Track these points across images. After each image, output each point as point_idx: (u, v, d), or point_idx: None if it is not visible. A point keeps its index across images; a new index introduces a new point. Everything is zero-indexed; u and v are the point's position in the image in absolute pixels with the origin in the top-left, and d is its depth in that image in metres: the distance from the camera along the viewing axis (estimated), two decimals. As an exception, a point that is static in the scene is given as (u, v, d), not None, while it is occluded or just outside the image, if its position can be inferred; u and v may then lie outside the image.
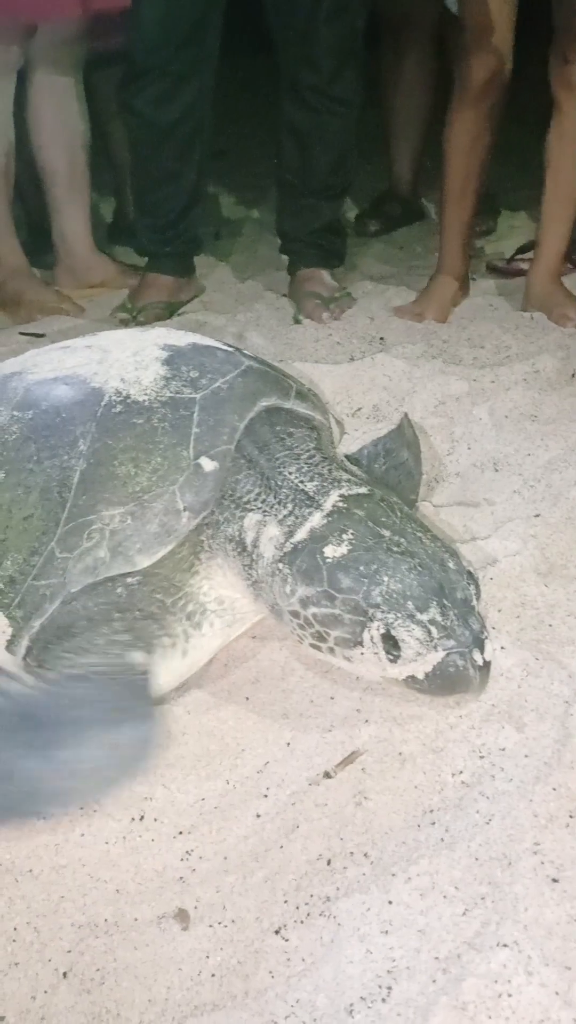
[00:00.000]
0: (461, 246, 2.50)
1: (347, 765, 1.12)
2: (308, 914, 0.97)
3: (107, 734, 0.97)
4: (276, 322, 2.54)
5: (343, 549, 1.10)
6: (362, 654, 1.08)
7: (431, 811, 1.05)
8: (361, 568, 1.08)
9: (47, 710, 1.01)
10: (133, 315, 2.59)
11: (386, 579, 1.06)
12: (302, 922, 0.96)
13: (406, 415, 1.77)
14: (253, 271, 2.99)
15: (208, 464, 1.16)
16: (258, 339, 2.36)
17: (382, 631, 1.05)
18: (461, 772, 1.08)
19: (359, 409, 2.08)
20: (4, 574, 1.11)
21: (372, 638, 1.06)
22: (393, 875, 0.97)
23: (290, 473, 1.20)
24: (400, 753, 1.12)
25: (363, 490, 1.18)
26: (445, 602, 1.06)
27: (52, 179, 2.78)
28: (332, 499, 1.16)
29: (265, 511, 1.17)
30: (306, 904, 0.98)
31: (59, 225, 2.84)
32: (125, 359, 1.24)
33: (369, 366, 2.17)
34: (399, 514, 1.15)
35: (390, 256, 3.12)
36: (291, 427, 1.27)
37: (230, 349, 1.33)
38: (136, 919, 0.99)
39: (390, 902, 0.95)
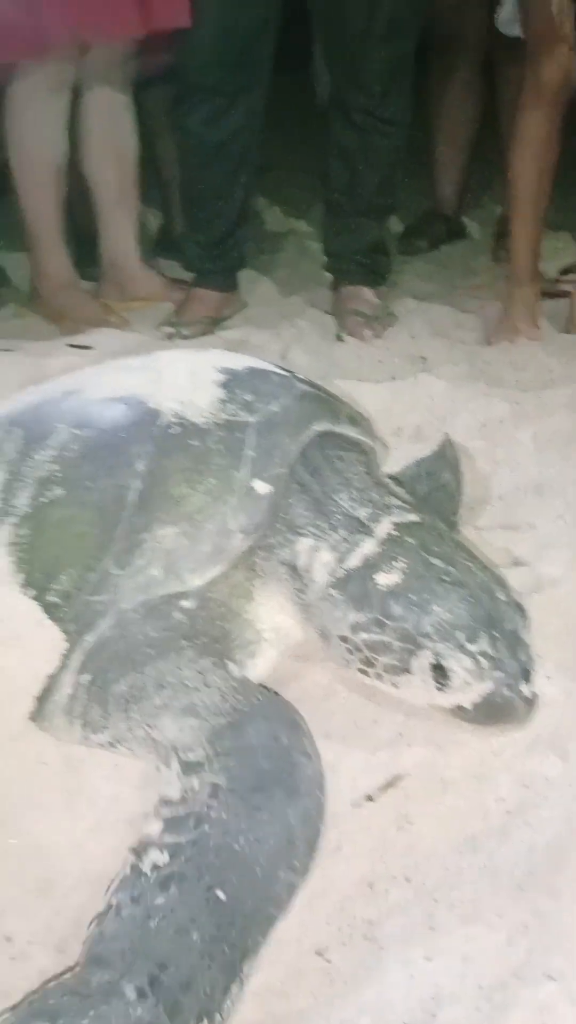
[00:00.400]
0: (533, 253, 2.48)
1: (390, 789, 1.13)
2: (351, 936, 0.98)
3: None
4: (319, 339, 2.56)
5: (395, 577, 1.12)
6: (410, 681, 1.09)
7: (474, 838, 1.05)
8: (413, 597, 1.10)
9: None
10: (178, 329, 2.62)
11: (437, 609, 1.08)
12: (344, 944, 0.97)
13: (447, 436, 1.78)
14: (296, 287, 3.03)
15: (262, 487, 1.17)
16: (301, 356, 2.38)
17: (431, 660, 1.07)
18: (505, 800, 1.09)
19: (400, 429, 2.09)
20: (60, 588, 1.14)
21: (421, 666, 1.08)
22: (436, 900, 0.98)
23: (342, 499, 1.22)
24: (443, 779, 1.13)
25: (414, 517, 1.20)
26: (495, 633, 1.07)
27: (101, 194, 2.83)
28: (384, 526, 1.18)
29: (318, 536, 1.19)
30: (348, 926, 0.99)
31: (107, 239, 2.88)
32: (182, 381, 1.27)
33: (411, 386, 2.18)
34: (449, 542, 1.17)
35: (433, 274, 3.14)
36: (342, 451, 1.28)
37: (285, 373, 1.35)
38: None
39: (433, 928, 0.95)
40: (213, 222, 2.59)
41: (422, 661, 1.07)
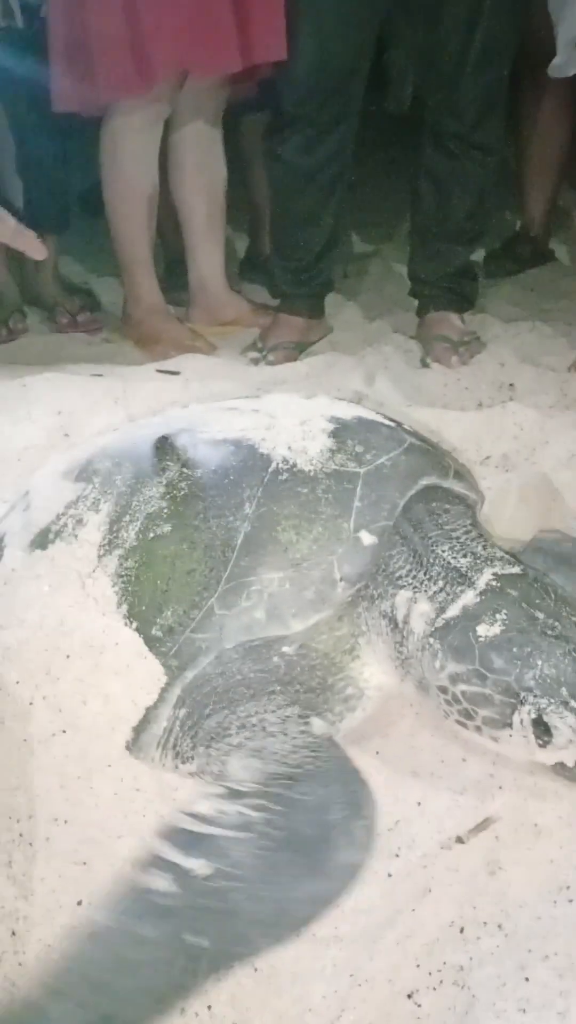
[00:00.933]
0: None
1: (480, 831, 1.12)
2: (441, 981, 0.98)
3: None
4: (404, 365, 2.56)
5: (496, 629, 1.11)
6: (510, 736, 1.08)
7: (568, 887, 1.04)
8: (515, 650, 1.09)
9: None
10: (263, 354, 2.66)
11: (540, 663, 1.07)
12: (435, 989, 0.97)
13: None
14: (381, 311, 3.03)
15: (367, 538, 1.19)
16: (385, 383, 2.38)
17: (533, 716, 1.06)
18: (600, 849, 1.07)
19: (488, 458, 2.07)
20: (164, 623, 1.17)
21: (522, 721, 1.06)
22: (529, 951, 0.97)
23: (443, 551, 1.22)
24: (536, 824, 1.11)
25: (516, 570, 1.19)
26: None
27: (190, 221, 2.90)
28: (486, 577, 1.17)
29: (416, 587, 1.20)
30: (439, 971, 0.99)
31: (195, 265, 2.95)
32: (292, 427, 1.30)
33: (499, 414, 2.15)
34: (554, 596, 1.15)
35: (520, 299, 3.11)
36: (447, 504, 1.29)
37: (393, 425, 1.38)
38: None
39: (527, 979, 0.94)
40: (302, 248, 2.62)
41: (523, 716, 1.06)
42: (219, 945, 0.91)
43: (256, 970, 1.00)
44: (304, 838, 0.98)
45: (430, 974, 0.99)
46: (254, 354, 2.69)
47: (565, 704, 1.04)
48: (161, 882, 0.92)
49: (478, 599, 1.15)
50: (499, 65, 2.37)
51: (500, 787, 1.17)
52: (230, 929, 0.92)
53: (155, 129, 2.65)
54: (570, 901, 1.02)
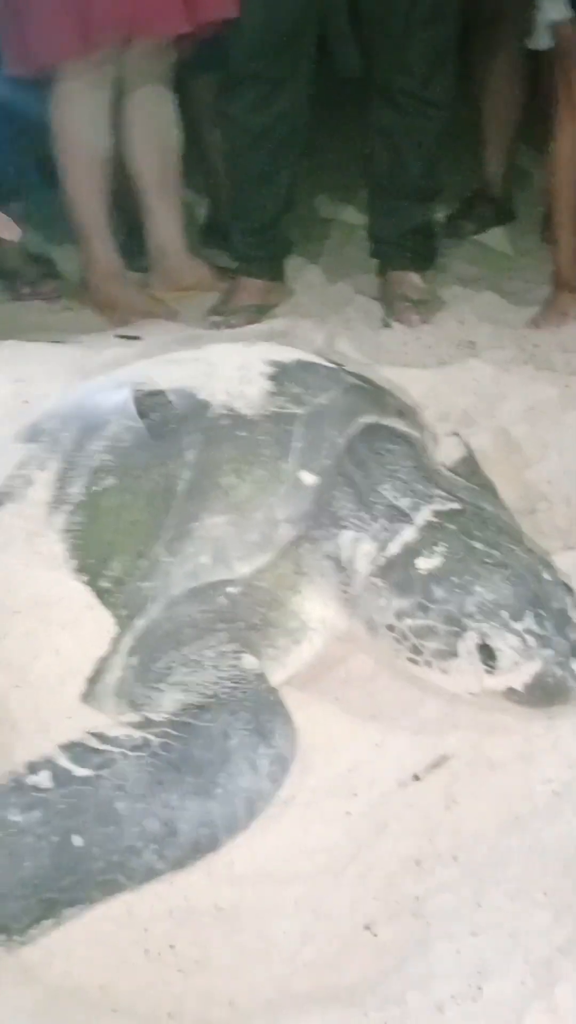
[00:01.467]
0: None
1: (436, 768, 1.14)
2: (398, 912, 1.00)
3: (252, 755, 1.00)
4: (366, 326, 2.56)
5: (436, 561, 1.13)
6: (458, 666, 1.10)
7: (521, 818, 1.06)
8: (454, 579, 1.11)
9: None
10: (225, 319, 2.64)
11: (479, 589, 1.09)
12: (392, 920, 0.99)
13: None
14: (342, 274, 3.02)
15: (308, 478, 1.20)
16: (348, 343, 2.38)
17: (477, 641, 1.07)
18: (551, 781, 1.09)
19: (447, 414, 2.08)
20: (111, 574, 1.17)
21: (468, 648, 1.08)
22: (482, 879, 0.99)
23: (385, 490, 1.21)
24: (490, 759, 1.14)
25: (456, 505, 1.20)
26: (541, 612, 1.07)
27: (146, 185, 2.85)
28: (424, 514, 1.18)
29: (359, 527, 1.20)
30: (396, 902, 1.01)
31: (153, 229, 2.91)
32: (231, 373, 1.30)
33: (459, 371, 2.17)
34: (493, 527, 1.17)
35: (481, 258, 3.11)
36: (389, 444, 1.28)
37: (333, 366, 1.37)
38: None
39: (479, 905, 0.97)
40: (258, 209, 2.61)
41: (468, 643, 1.08)
42: (103, 850, 0.92)
43: (219, 909, 1.02)
44: (198, 761, 0.98)
45: (387, 906, 1.01)
46: (215, 318, 2.67)
47: (506, 627, 1.06)
48: (42, 779, 0.94)
49: (418, 535, 1.16)
50: (447, 20, 2.37)
51: (455, 726, 1.19)
52: (115, 837, 0.92)
53: (103, 92, 2.61)
54: (523, 830, 1.05)
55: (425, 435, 1.42)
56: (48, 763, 0.97)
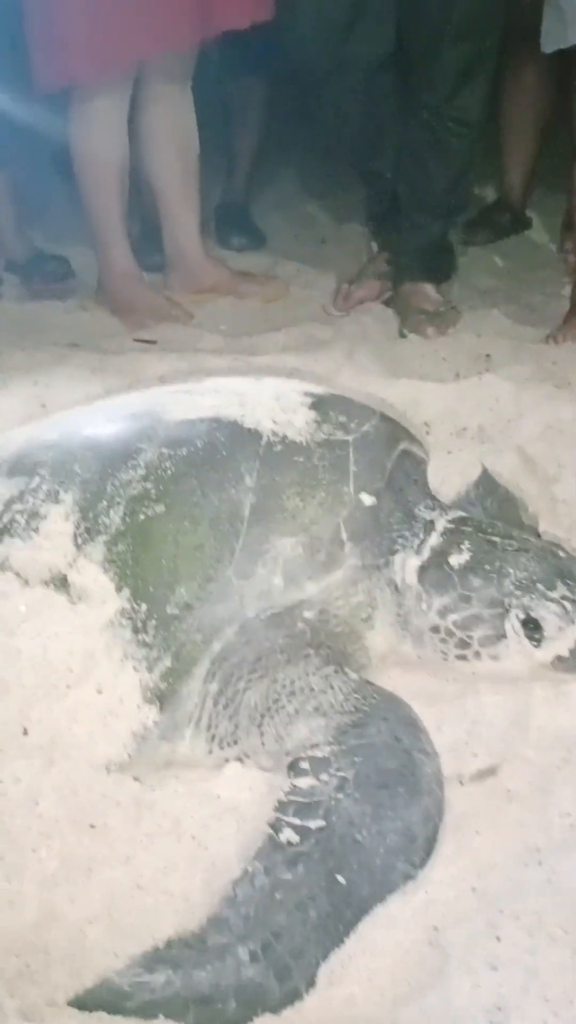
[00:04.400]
0: None
1: (483, 778, 1.16)
2: (416, 940, 1.01)
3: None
4: (382, 336, 2.56)
5: (465, 556, 1.26)
6: (507, 647, 1.20)
7: (537, 850, 1.07)
8: (487, 567, 1.23)
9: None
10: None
11: (511, 570, 1.22)
12: (411, 948, 1.00)
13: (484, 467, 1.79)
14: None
15: (367, 499, 1.27)
16: (365, 354, 2.38)
17: (521, 616, 1.18)
18: (569, 815, 1.10)
19: (464, 429, 2.09)
20: (179, 600, 1.18)
21: (514, 627, 1.19)
22: (500, 911, 1.01)
23: (420, 509, 1.33)
24: (508, 790, 1.15)
25: (462, 513, 1.37)
26: (569, 581, 1.20)
27: (164, 187, 2.85)
28: (442, 522, 1.32)
29: (405, 546, 1.29)
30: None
31: (170, 232, 2.90)
32: (269, 403, 1.34)
33: (475, 386, 2.17)
34: (500, 526, 1.33)
35: (497, 268, 3.11)
36: (415, 467, 1.39)
37: (354, 399, 1.44)
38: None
39: (498, 938, 0.98)
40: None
41: (513, 620, 1.19)
42: (365, 878, 1.00)
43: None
44: (392, 771, 1.07)
45: (405, 933, 1.02)
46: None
47: (544, 596, 1.18)
48: (290, 836, 1.02)
49: (442, 539, 1.29)
50: (479, 38, 2.34)
51: (475, 754, 1.20)
52: (369, 863, 1.00)
53: (123, 95, 2.60)
54: (540, 864, 1.06)
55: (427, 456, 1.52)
56: (283, 823, 1.03)
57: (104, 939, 0.99)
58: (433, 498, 1.37)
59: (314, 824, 1.02)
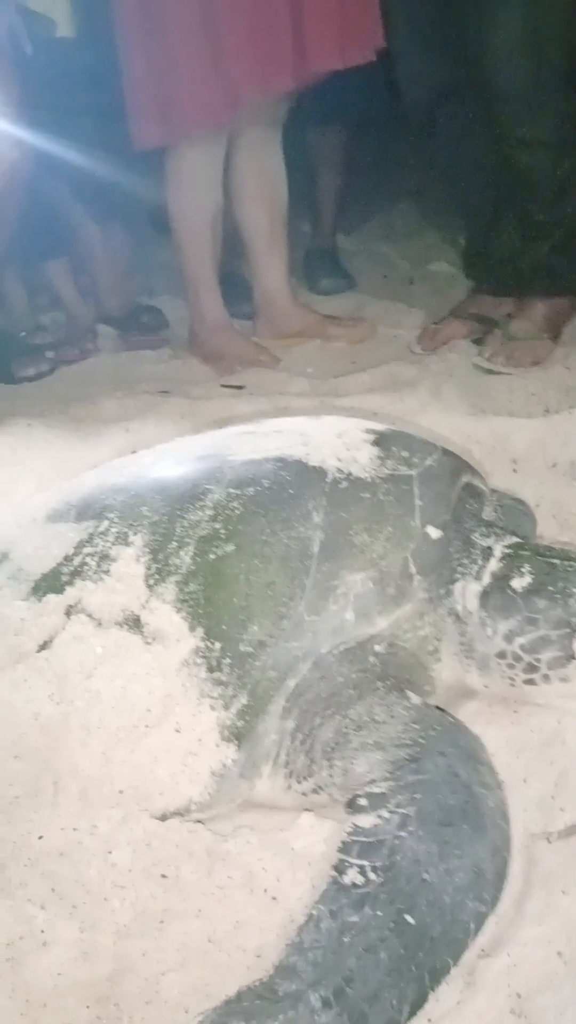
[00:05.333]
0: None
1: (567, 836, 1.11)
2: (501, 1009, 0.96)
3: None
4: (467, 372, 2.53)
5: (527, 579, 1.25)
6: None
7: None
8: (550, 588, 1.23)
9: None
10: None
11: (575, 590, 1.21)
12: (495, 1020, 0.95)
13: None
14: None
15: (434, 532, 1.26)
16: (452, 391, 2.36)
17: None
18: None
19: (555, 465, 2.03)
20: (252, 638, 1.18)
21: None
22: (588, 978, 0.95)
23: (476, 537, 1.32)
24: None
25: (519, 539, 1.35)
26: None
27: (253, 235, 2.91)
28: (499, 548, 1.31)
29: (464, 574, 1.29)
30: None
31: (259, 279, 2.97)
32: (332, 441, 1.34)
33: (567, 420, 2.12)
34: (557, 549, 1.31)
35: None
36: (476, 499, 1.39)
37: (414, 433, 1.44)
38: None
39: (585, 1007, 0.92)
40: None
41: None
42: (434, 917, 0.96)
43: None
44: (454, 807, 1.03)
45: (489, 999, 0.97)
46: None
47: None
48: (354, 878, 0.99)
49: (500, 564, 1.28)
50: (543, 57, 2.28)
51: (562, 809, 1.15)
52: (437, 902, 0.97)
53: (220, 148, 2.69)
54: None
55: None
56: (347, 864, 1.01)
57: (176, 994, 0.98)
58: (489, 525, 1.37)
59: (379, 863, 0.99)
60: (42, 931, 1.01)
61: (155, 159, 2.69)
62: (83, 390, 2.74)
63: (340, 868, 1.00)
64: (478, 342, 2.66)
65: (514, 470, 1.97)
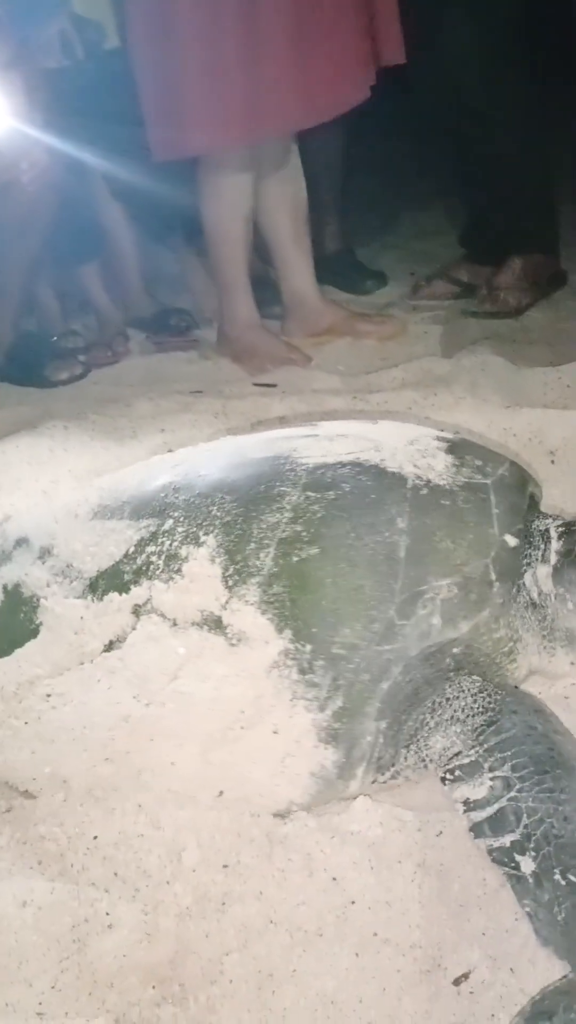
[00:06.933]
0: None
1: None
2: None
3: None
4: (502, 367, 2.53)
5: None
6: None
7: None
8: None
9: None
10: None
11: None
12: None
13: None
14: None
15: (512, 540, 1.29)
16: (486, 387, 2.36)
17: None
18: None
19: (594, 457, 2.03)
20: (344, 641, 1.19)
21: None
22: None
23: (532, 526, 1.37)
24: None
25: (564, 518, 1.41)
26: None
27: (280, 237, 2.94)
28: (554, 528, 1.37)
29: (530, 563, 1.33)
30: None
31: (287, 278, 2.99)
32: (405, 448, 1.36)
33: (604, 412, 2.11)
34: None
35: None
36: (535, 507, 1.42)
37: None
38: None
39: None
40: None
41: None
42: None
43: None
44: (540, 755, 1.10)
45: None
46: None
47: None
48: (525, 860, 1.04)
49: (560, 541, 1.34)
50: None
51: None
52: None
53: (253, 160, 2.73)
54: None
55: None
56: (503, 847, 1.06)
57: (239, 974, 0.99)
58: (541, 514, 1.41)
59: (520, 834, 1.05)
60: (107, 913, 1.03)
61: (187, 166, 2.74)
62: (117, 392, 2.76)
63: (500, 858, 1.05)
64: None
65: (552, 461, 1.96)
